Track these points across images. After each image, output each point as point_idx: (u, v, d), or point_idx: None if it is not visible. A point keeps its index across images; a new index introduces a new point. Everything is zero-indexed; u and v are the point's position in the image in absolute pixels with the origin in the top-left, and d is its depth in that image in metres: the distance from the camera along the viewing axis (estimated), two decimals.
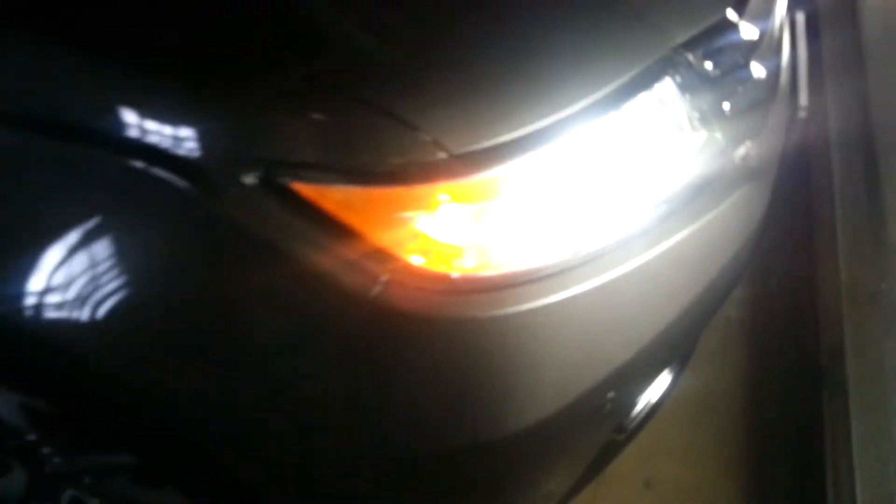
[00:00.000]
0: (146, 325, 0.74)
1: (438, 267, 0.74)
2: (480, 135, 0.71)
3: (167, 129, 0.67)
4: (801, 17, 1.34)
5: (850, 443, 1.35)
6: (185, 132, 0.67)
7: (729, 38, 0.96)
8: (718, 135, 0.92)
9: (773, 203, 1.13)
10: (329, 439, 0.80)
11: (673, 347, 1.04)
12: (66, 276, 0.73)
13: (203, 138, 0.67)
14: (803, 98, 1.27)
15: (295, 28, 0.72)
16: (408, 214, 0.72)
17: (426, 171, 0.70)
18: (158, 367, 0.76)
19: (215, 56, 0.70)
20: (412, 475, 0.86)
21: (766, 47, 1.06)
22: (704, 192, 0.91)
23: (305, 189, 0.68)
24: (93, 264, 0.72)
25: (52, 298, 0.74)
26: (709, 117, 0.91)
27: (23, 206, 0.73)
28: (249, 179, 0.67)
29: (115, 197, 0.70)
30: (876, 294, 1.36)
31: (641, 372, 0.99)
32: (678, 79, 0.87)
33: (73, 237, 0.72)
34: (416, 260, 0.73)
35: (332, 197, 0.69)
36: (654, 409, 1.16)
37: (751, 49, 1.01)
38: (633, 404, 1.08)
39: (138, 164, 0.68)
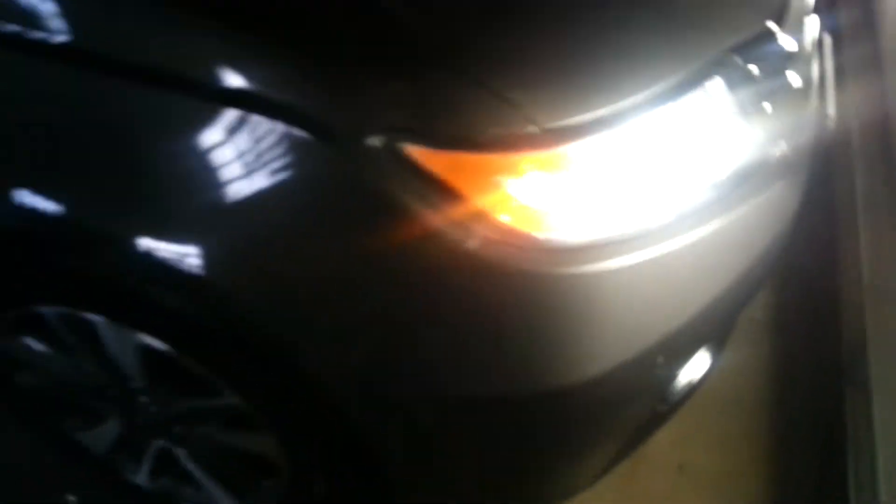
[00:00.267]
0: (284, 269, 0.87)
1: (522, 227, 0.85)
2: (565, 113, 0.83)
3: (308, 96, 0.80)
4: (828, 37, 1.46)
5: (872, 435, 1.44)
6: (323, 99, 0.80)
7: (770, 47, 1.08)
8: (759, 131, 1.04)
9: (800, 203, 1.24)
10: (430, 377, 0.91)
11: (714, 324, 1.14)
12: (215, 221, 0.86)
13: (337, 104, 0.80)
14: (830, 108, 1.38)
15: (414, 10, 0.85)
16: (500, 179, 0.83)
17: (518, 142, 0.82)
18: (293, 308, 0.88)
19: (350, 34, 0.83)
20: (490, 418, 0.97)
21: (800, 58, 1.18)
22: (747, 181, 1.02)
23: (417, 152, 0.80)
24: (237, 211, 0.84)
25: (204, 241, 0.87)
26: (751, 115, 1.02)
27: (183, 159, 0.86)
28: (373, 142, 0.80)
29: (264, 154, 0.82)
30: None
31: (686, 343, 1.09)
32: (727, 78, 0.99)
33: (221, 187, 0.84)
34: (504, 219, 0.84)
35: (439, 160, 0.81)
36: (693, 387, 1.26)
37: (788, 58, 1.13)
38: (676, 376, 1.18)
39: (282, 124, 0.81)
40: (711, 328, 1.15)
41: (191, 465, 1.26)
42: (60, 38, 0.88)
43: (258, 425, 1.10)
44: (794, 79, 1.12)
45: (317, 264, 0.86)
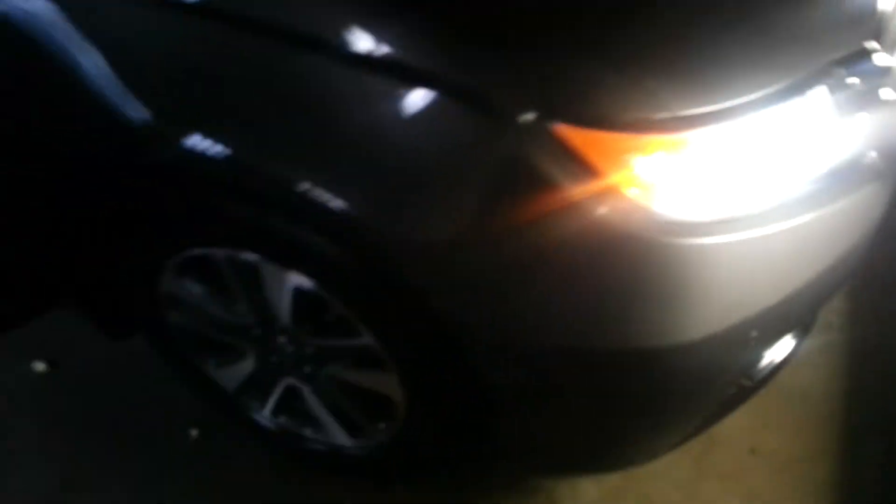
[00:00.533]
0: (430, 222, 1.02)
1: (645, 201, 0.99)
2: (693, 103, 0.96)
3: (472, 73, 0.95)
4: None
5: None
6: (485, 76, 0.95)
7: (868, 63, 1.19)
8: (853, 138, 1.15)
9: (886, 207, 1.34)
10: (552, 327, 1.05)
11: (802, 309, 1.25)
12: (372, 173, 1.03)
13: (497, 82, 0.95)
14: None
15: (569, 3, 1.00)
16: (630, 157, 0.97)
17: (650, 125, 0.96)
18: (434, 256, 1.03)
19: (510, 16, 0.99)
20: (597, 372, 1.10)
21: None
22: (840, 181, 1.14)
23: (562, 129, 0.94)
24: (393, 166, 1.01)
25: (360, 189, 1.03)
26: (847, 122, 1.14)
27: (348, 117, 1.01)
28: (526, 118, 0.94)
29: (424, 119, 0.98)
30: None
31: (777, 323, 1.20)
32: (829, 87, 1.10)
33: (382, 144, 1.01)
34: (631, 192, 0.98)
35: (580, 137, 0.95)
36: (776, 369, 1.37)
37: (884, 73, 1.24)
38: (763, 355, 1.30)
39: (443, 96, 0.96)
40: (799, 312, 1.26)
41: (313, 403, 1.41)
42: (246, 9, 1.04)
43: (385, 366, 1.25)
44: (888, 93, 1.23)
45: (461, 219, 1.01)
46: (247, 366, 1.44)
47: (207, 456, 1.61)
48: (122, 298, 1.45)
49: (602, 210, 0.97)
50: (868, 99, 1.18)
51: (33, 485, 1.57)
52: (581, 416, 1.21)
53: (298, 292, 1.21)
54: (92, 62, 1.13)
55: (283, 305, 1.25)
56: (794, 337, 1.37)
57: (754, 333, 1.15)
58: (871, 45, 1.21)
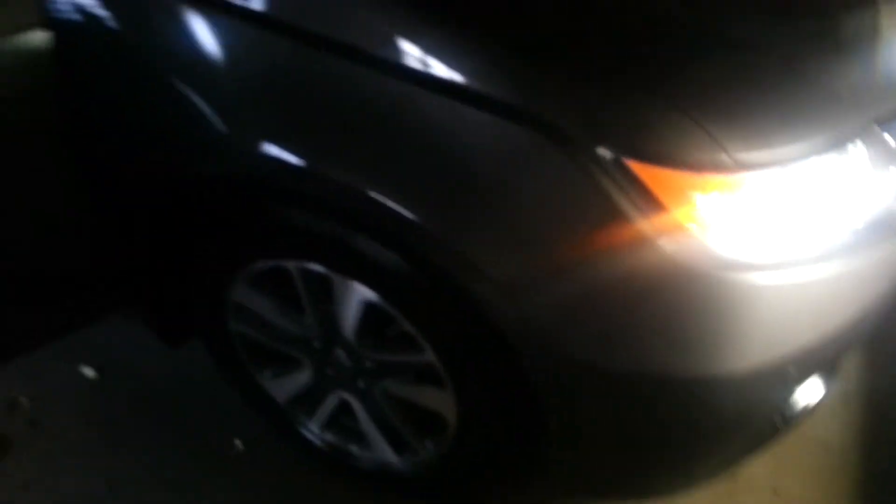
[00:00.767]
0: (500, 239, 1.10)
1: (702, 235, 1.07)
2: (748, 148, 1.06)
3: (553, 106, 1.05)
4: None
5: None
6: (565, 110, 1.04)
7: None
8: (889, 191, 1.25)
9: None
10: (608, 348, 1.13)
11: (834, 351, 1.33)
12: (444, 189, 1.11)
13: (576, 116, 1.04)
14: None
15: (645, 43, 1.12)
16: (692, 194, 1.06)
17: (709, 165, 1.05)
18: (501, 273, 1.11)
19: (591, 52, 1.10)
20: (644, 397, 1.18)
21: None
22: (877, 232, 1.22)
23: (634, 164, 1.04)
24: (465, 185, 1.10)
25: (429, 202, 1.12)
26: (885, 176, 1.23)
27: (422, 136, 1.10)
28: (602, 152, 1.03)
29: (502, 146, 1.07)
30: None
31: (813, 361, 1.28)
32: (867, 143, 1.20)
33: (458, 165, 1.09)
34: (693, 228, 1.06)
35: (647, 173, 1.04)
36: (805, 410, 1.44)
37: None
38: (795, 396, 1.37)
39: (522, 126, 1.05)
40: (832, 354, 1.34)
41: (363, 418, 1.48)
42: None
43: (442, 383, 1.31)
44: None
45: (533, 244, 1.10)
46: (301, 378, 1.50)
47: (250, 468, 1.66)
48: (186, 305, 1.52)
49: (663, 242, 1.05)
50: None
51: (81, 486, 1.62)
52: (630, 442, 1.28)
53: (365, 306, 1.29)
54: (173, 75, 1.21)
55: (349, 318, 1.33)
56: (823, 381, 1.44)
57: (792, 370, 1.22)
58: None
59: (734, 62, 1.14)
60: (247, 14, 1.15)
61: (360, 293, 1.28)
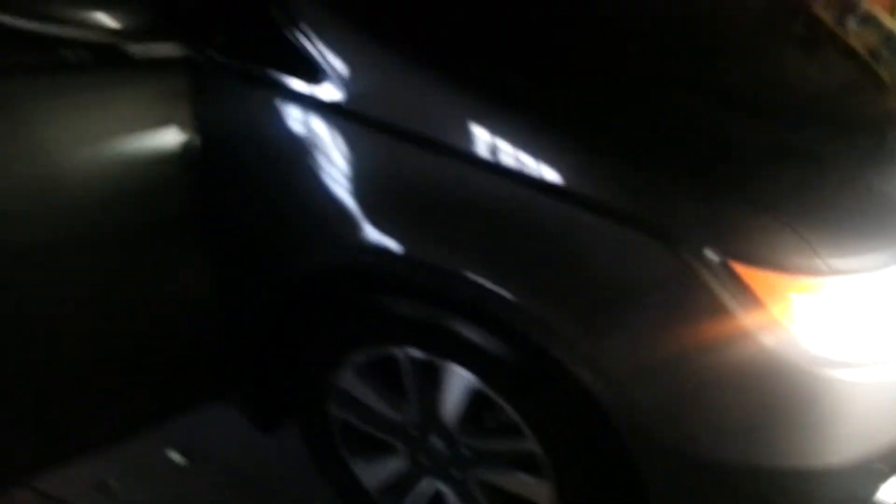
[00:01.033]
0: (607, 331, 1.20)
1: (797, 333, 1.16)
2: (840, 254, 1.16)
3: (664, 212, 1.16)
4: None
5: None
6: (676, 217, 1.16)
7: None
8: None
9: None
10: (710, 436, 1.20)
11: None
12: (550, 282, 1.21)
13: (686, 222, 1.15)
14: None
15: (737, 151, 1.26)
16: (788, 295, 1.16)
17: (805, 269, 1.15)
18: (609, 364, 1.20)
19: (697, 165, 1.22)
20: (736, 488, 1.24)
21: None
22: None
23: (737, 266, 1.14)
24: (588, 290, 1.20)
25: (533, 290, 1.21)
26: None
27: (545, 244, 1.21)
28: (709, 254, 1.14)
29: (609, 244, 1.17)
30: None
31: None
32: None
33: (568, 261, 1.20)
34: (789, 326, 1.15)
35: (751, 274, 1.14)
36: None
37: None
38: (881, 490, 1.41)
39: (638, 232, 1.16)
40: None
41: None
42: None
43: (543, 472, 1.37)
44: None
45: (642, 338, 1.18)
46: (394, 464, 1.56)
47: None
48: (286, 390, 1.60)
49: (762, 337, 1.14)
50: None
51: None
52: None
53: (470, 393, 1.37)
54: (303, 177, 1.33)
55: (453, 406, 1.40)
56: None
57: (876, 466, 1.28)
58: None
59: (819, 174, 1.26)
60: (368, 121, 1.28)
61: (466, 380, 1.36)
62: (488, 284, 1.23)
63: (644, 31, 1.54)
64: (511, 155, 1.21)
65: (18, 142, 1.23)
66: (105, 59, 1.27)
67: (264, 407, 1.67)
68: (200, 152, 1.37)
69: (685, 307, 1.16)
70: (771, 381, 1.16)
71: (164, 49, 1.31)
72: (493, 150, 1.22)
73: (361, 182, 1.31)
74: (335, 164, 1.31)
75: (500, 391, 1.34)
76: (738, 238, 1.15)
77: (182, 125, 1.35)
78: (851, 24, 1.95)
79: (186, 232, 1.43)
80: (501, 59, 1.33)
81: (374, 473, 1.61)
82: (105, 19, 1.19)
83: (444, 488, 1.53)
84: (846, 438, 1.21)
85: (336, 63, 1.28)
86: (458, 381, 1.37)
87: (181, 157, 1.36)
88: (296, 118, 1.32)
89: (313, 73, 1.29)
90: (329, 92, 1.29)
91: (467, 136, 1.22)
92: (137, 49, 1.28)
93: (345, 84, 1.28)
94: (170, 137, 1.35)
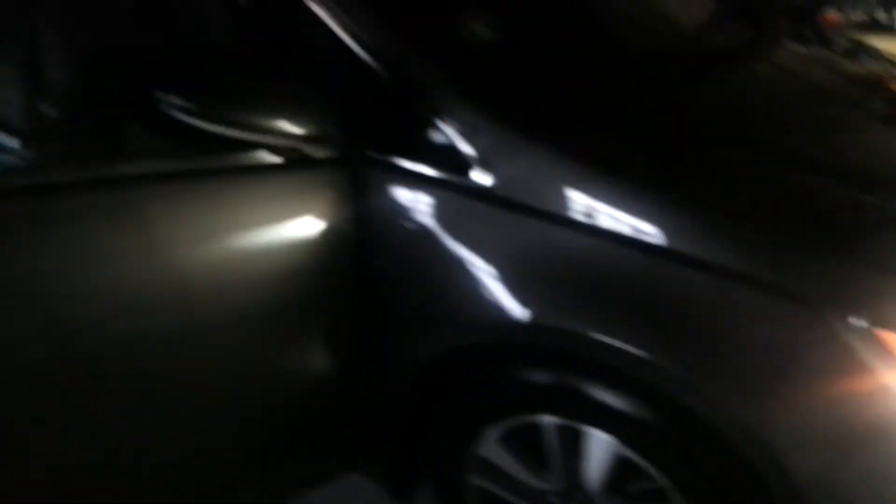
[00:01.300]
0: (772, 404, 1.27)
1: None
2: None
3: (805, 282, 1.26)
4: None
5: None
6: (821, 288, 1.25)
7: None
8: None
9: None
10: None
11: None
12: (717, 363, 1.30)
13: (830, 295, 1.24)
14: None
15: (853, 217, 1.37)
16: None
17: None
18: (774, 435, 1.27)
19: (835, 236, 1.33)
20: None
21: None
22: None
23: (882, 333, 1.22)
24: (742, 358, 1.28)
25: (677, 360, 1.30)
26: None
27: (692, 314, 1.30)
28: (854, 321, 1.22)
29: (761, 319, 1.27)
30: None
31: None
32: None
33: (731, 340, 1.29)
34: None
35: (888, 339, 1.23)
36: None
37: None
38: None
39: (783, 301, 1.25)
40: None
41: None
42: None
43: None
44: None
45: (793, 400, 1.26)
46: None
47: None
48: (424, 460, 1.68)
49: None
50: None
51: None
52: None
53: (616, 459, 1.44)
54: (468, 261, 1.44)
55: (597, 473, 1.47)
56: None
57: None
58: None
59: None
60: (512, 205, 1.41)
61: (614, 448, 1.43)
62: (641, 352, 1.31)
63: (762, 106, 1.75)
64: (653, 231, 1.32)
65: (220, 232, 1.42)
66: (286, 161, 1.44)
67: (400, 475, 1.74)
68: (355, 240, 1.51)
69: (836, 373, 1.24)
70: None
71: (330, 149, 1.46)
72: (638, 229, 1.33)
73: (503, 261, 1.43)
74: (476, 246, 1.44)
75: (647, 455, 1.41)
76: (882, 306, 1.24)
77: (339, 216, 1.49)
78: None
79: (333, 312, 1.56)
80: (638, 144, 1.47)
81: None
82: (288, 126, 1.35)
83: None
84: None
85: (479, 153, 1.42)
86: (605, 448, 1.44)
87: (337, 243, 1.50)
88: (437, 205, 1.46)
89: (458, 163, 1.43)
90: (473, 179, 1.42)
91: (614, 217, 1.35)
92: (312, 151, 1.43)
93: (485, 171, 1.41)
94: (328, 226, 1.49)
